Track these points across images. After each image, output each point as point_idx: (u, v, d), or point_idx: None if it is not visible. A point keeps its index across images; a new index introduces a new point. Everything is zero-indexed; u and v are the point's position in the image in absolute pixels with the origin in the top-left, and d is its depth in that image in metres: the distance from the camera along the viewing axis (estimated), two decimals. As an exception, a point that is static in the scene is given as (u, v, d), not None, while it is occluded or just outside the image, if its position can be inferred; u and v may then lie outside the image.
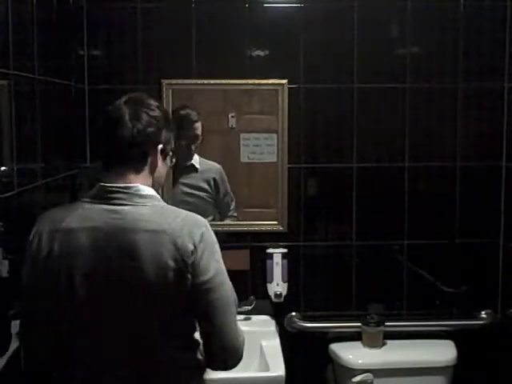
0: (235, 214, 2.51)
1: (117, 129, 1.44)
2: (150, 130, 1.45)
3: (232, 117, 2.43)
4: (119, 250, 1.37)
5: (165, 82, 2.40)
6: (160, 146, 1.49)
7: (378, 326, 2.42)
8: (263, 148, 2.45)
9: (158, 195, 1.49)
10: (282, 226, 2.48)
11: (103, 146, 1.51)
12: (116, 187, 1.42)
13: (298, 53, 2.42)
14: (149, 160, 1.47)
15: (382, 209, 2.50)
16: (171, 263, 1.35)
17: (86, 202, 1.43)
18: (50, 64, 1.96)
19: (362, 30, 2.43)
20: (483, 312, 2.53)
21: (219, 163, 2.47)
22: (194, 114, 2.43)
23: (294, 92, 2.43)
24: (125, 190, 1.42)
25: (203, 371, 1.51)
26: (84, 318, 1.41)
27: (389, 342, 2.45)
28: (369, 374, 2.32)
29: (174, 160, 1.62)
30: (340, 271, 2.52)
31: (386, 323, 2.44)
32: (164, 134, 1.50)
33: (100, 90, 2.40)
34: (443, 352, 2.42)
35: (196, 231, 1.39)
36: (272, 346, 2.25)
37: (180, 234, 1.37)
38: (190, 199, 2.47)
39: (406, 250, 2.51)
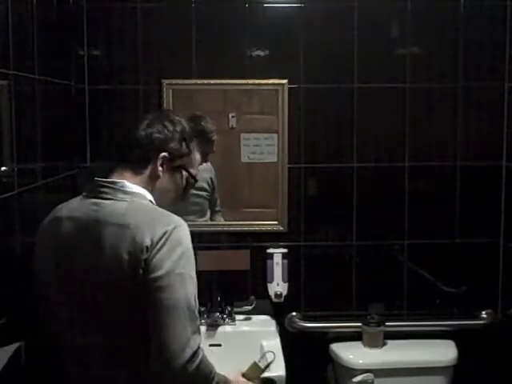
0: (221, 209, 2.52)
1: (131, 131, 1.55)
2: (157, 136, 1.53)
3: (232, 117, 2.43)
4: (89, 241, 1.42)
5: (165, 82, 2.40)
6: (163, 154, 1.53)
7: (379, 325, 2.42)
8: (263, 148, 2.45)
9: (145, 194, 1.51)
10: (283, 226, 2.47)
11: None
12: (105, 182, 1.49)
13: (298, 53, 2.42)
14: (150, 165, 1.53)
15: (382, 209, 2.50)
16: (125, 257, 1.37)
17: (83, 195, 1.52)
18: (50, 64, 1.96)
19: (362, 30, 2.43)
20: (484, 312, 2.53)
21: (219, 163, 2.48)
22: (211, 127, 2.43)
23: (294, 92, 2.43)
24: (111, 185, 1.48)
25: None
26: (59, 302, 1.48)
27: (389, 341, 2.45)
28: (369, 374, 2.32)
29: (191, 182, 1.63)
30: (340, 271, 2.52)
31: (387, 323, 2.44)
32: (173, 145, 1.55)
33: (100, 90, 2.40)
34: (444, 352, 2.42)
35: (159, 228, 1.39)
36: (272, 345, 2.24)
37: (141, 229, 1.39)
38: (196, 199, 2.47)
39: (406, 249, 2.51)
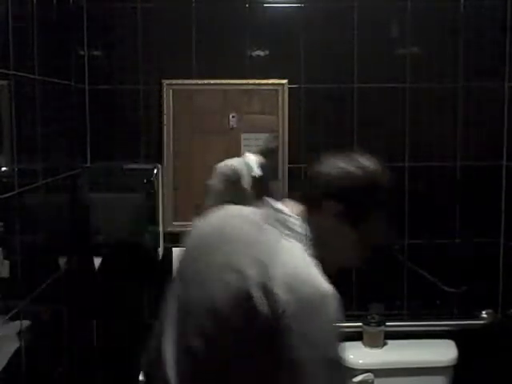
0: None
1: None
2: None
3: (232, 117, 2.43)
4: None
5: (165, 82, 2.40)
6: None
7: (379, 325, 2.42)
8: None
9: None
10: (283, 226, 2.47)
11: None
12: None
13: (298, 53, 2.42)
14: None
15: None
16: None
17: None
18: (50, 64, 1.96)
19: (362, 30, 2.43)
20: (484, 312, 2.52)
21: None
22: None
23: (294, 92, 2.43)
24: None
25: None
26: None
27: (389, 341, 2.45)
28: (369, 374, 2.32)
29: None
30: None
31: (387, 323, 2.44)
32: None
33: (100, 90, 2.40)
34: (444, 352, 2.42)
35: None
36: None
37: None
38: None
39: (406, 249, 2.51)
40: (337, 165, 1.39)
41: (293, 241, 1.30)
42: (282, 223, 1.32)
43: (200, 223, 1.47)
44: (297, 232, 1.31)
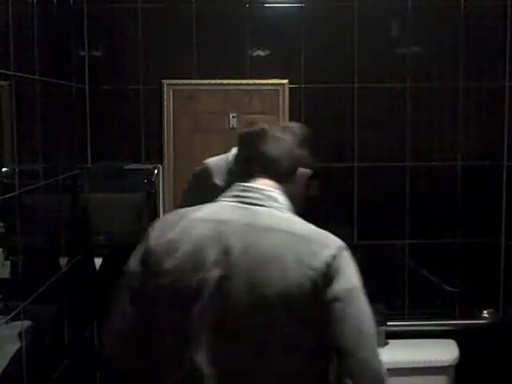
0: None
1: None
2: None
3: (233, 117, 2.43)
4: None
5: (165, 82, 2.40)
6: None
7: (380, 325, 2.42)
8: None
9: None
10: (284, 226, 2.47)
11: None
12: None
13: (298, 53, 2.42)
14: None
15: (383, 208, 2.49)
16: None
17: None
18: (50, 65, 1.96)
19: (362, 29, 2.43)
20: (485, 311, 2.52)
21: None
22: None
23: (294, 92, 2.43)
24: None
25: None
26: None
27: (391, 341, 2.45)
28: (371, 374, 2.31)
29: None
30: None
31: (388, 323, 2.44)
32: None
33: (100, 91, 2.40)
34: (445, 351, 2.41)
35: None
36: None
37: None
38: None
39: (407, 249, 2.51)
40: (288, 138, 1.48)
41: (285, 211, 1.38)
42: (273, 199, 1.38)
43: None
44: (283, 203, 1.39)
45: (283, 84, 2.43)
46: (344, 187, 2.48)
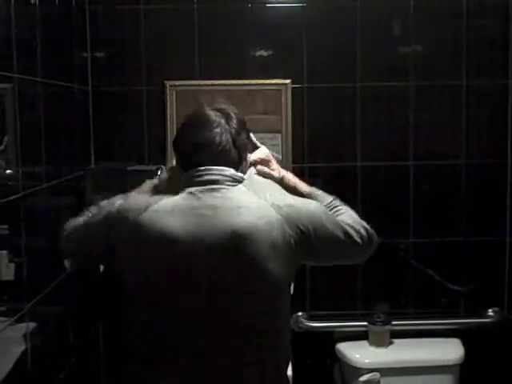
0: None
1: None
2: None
3: (235, 117, 2.42)
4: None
5: (168, 83, 2.40)
6: None
7: (385, 324, 2.42)
8: (267, 148, 2.44)
9: None
10: (287, 226, 2.47)
11: None
12: None
13: (301, 52, 2.42)
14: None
15: (386, 207, 2.49)
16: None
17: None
18: (53, 66, 1.96)
19: (364, 29, 2.42)
20: (490, 310, 2.52)
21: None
22: None
23: (297, 92, 2.43)
24: None
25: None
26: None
27: (395, 340, 2.45)
28: (376, 373, 2.31)
29: None
30: (346, 270, 2.50)
31: (393, 322, 2.43)
32: None
33: (103, 92, 2.41)
34: (450, 350, 2.41)
35: None
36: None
37: None
38: None
39: (411, 248, 2.50)
40: (226, 122, 1.66)
41: (239, 185, 1.59)
42: (230, 177, 1.58)
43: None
44: (237, 179, 1.59)
45: (286, 84, 2.43)
46: (347, 187, 2.48)
